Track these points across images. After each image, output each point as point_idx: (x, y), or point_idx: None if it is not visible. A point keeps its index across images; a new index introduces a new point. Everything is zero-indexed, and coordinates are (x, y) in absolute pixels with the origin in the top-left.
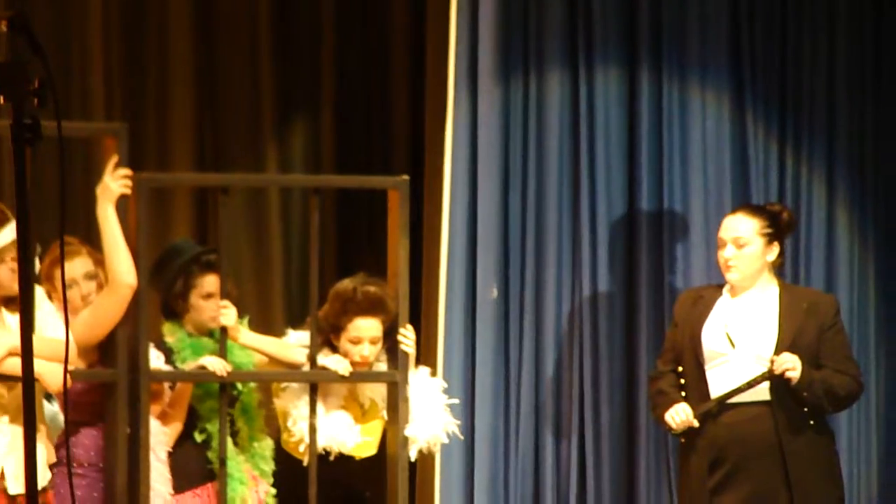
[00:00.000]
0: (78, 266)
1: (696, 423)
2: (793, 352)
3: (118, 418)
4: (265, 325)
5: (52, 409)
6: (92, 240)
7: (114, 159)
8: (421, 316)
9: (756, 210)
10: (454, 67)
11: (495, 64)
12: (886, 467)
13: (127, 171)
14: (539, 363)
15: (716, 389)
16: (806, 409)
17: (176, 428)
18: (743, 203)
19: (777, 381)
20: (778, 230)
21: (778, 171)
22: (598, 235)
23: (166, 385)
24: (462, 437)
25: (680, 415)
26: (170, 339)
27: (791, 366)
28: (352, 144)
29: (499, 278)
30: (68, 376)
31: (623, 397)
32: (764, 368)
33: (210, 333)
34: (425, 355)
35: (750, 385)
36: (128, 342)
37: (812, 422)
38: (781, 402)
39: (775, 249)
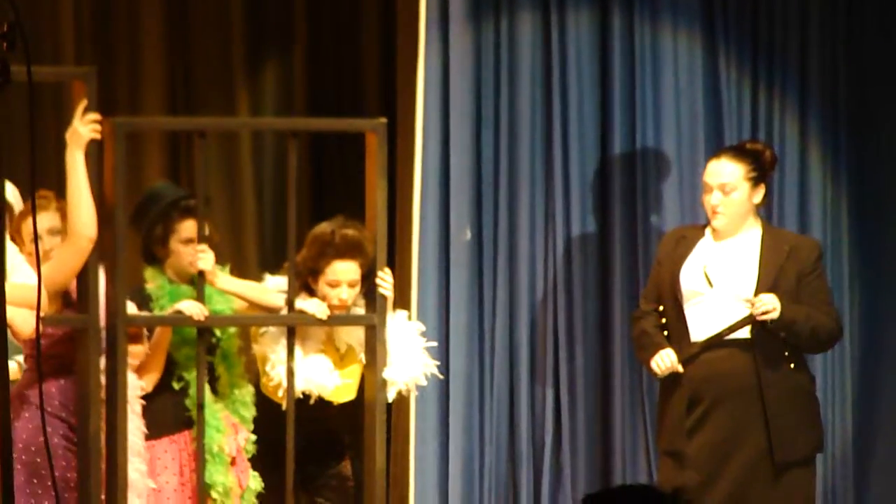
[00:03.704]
0: (43, 221)
1: (680, 369)
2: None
3: (90, 365)
4: (239, 270)
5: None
6: (62, 188)
7: (83, 104)
8: (394, 258)
9: (740, 153)
10: (425, 9)
11: (467, 5)
12: (860, 408)
13: (96, 116)
14: (513, 304)
15: (694, 328)
16: (787, 353)
17: (153, 376)
18: (718, 143)
19: (761, 323)
20: (762, 171)
21: (751, 111)
22: (572, 176)
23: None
24: (441, 377)
25: (665, 361)
26: (150, 286)
27: (770, 307)
28: (323, 87)
29: (472, 220)
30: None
31: (597, 337)
32: (742, 308)
33: (191, 280)
34: (399, 297)
35: (732, 329)
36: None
37: (792, 364)
38: (761, 340)
39: (761, 191)
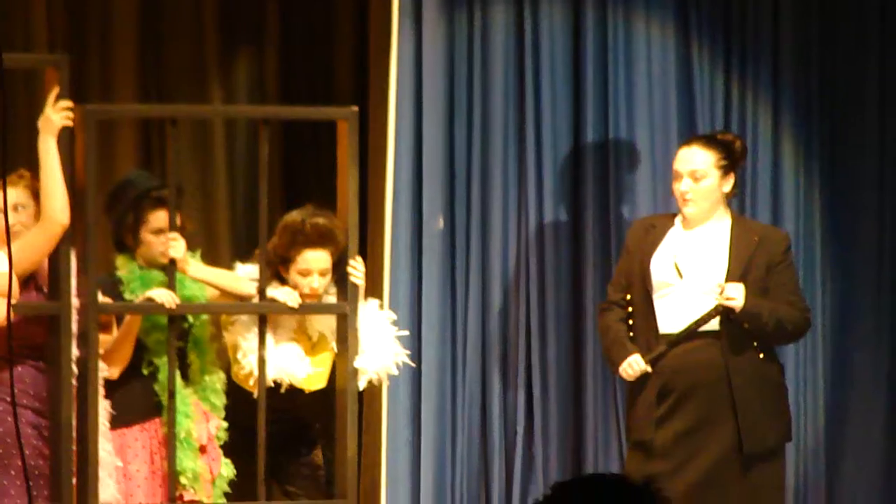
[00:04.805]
0: (10, 196)
1: (649, 369)
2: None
3: (62, 352)
4: (211, 258)
5: None
6: (34, 174)
7: (55, 91)
8: (367, 247)
9: (711, 141)
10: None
11: None
12: (832, 396)
13: (68, 103)
14: (485, 294)
15: (663, 319)
16: (756, 344)
17: (121, 366)
18: (691, 133)
19: (726, 314)
20: (732, 161)
21: (723, 101)
22: (544, 166)
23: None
24: (413, 365)
25: (633, 368)
26: (122, 272)
27: (733, 295)
28: (296, 77)
29: (445, 209)
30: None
31: (570, 328)
32: (713, 301)
33: (163, 267)
34: (371, 286)
35: (698, 323)
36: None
37: (762, 354)
38: (730, 332)
39: (731, 181)
